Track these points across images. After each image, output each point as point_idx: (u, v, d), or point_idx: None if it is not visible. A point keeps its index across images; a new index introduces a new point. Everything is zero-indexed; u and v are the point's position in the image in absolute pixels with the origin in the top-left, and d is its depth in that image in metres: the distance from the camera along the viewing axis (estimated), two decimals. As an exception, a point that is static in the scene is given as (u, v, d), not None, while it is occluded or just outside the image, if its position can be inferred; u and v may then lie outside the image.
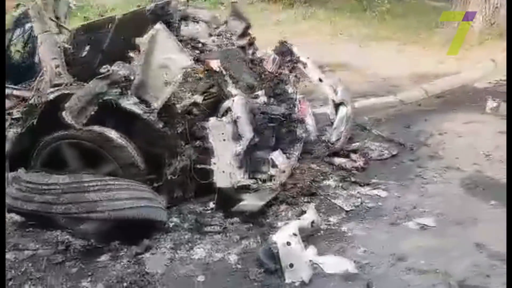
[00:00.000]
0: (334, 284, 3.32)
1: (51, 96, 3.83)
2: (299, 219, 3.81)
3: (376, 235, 3.82)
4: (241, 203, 3.97)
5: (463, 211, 4.05)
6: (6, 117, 3.99)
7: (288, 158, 4.37)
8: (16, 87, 4.21)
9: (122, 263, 3.56)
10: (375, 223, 3.97)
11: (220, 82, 4.15)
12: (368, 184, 4.49)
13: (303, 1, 11.38)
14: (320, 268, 3.42)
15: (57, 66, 3.92)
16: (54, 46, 4.00)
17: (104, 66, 3.72)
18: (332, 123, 4.99)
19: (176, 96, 4.07)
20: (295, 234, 3.44)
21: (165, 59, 3.79)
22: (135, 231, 3.72)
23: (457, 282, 3.26)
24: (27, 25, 4.59)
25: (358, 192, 4.38)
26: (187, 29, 5.02)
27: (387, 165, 4.89)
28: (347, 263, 3.48)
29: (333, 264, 3.47)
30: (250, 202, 3.98)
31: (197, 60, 4.40)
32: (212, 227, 3.90)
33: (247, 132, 4.00)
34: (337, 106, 5.05)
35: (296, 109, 4.80)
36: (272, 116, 4.24)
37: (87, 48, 4.34)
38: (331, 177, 4.56)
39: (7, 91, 4.13)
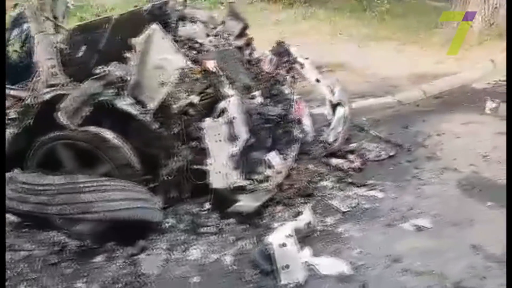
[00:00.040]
0: (330, 286, 3.31)
1: (47, 97, 3.84)
2: (295, 220, 3.80)
3: (372, 236, 3.81)
4: (237, 204, 3.95)
5: (460, 212, 4.04)
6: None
7: (284, 159, 4.34)
8: (12, 87, 4.19)
9: (117, 264, 3.57)
10: (371, 224, 3.96)
11: (216, 83, 4.14)
12: (365, 185, 4.48)
13: (303, 1, 11.34)
14: (316, 269, 3.42)
15: (52, 67, 3.93)
16: (49, 46, 4.00)
17: (99, 67, 3.72)
18: (329, 124, 4.98)
19: (172, 97, 4.05)
20: (291, 235, 3.44)
21: (161, 60, 3.78)
22: (130, 232, 3.71)
23: (453, 284, 3.25)
24: (25, 25, 4.55)
25: (354, 193, 4.37)
26: (185, 29, 4.99)
27: (384, 166, 4.89)
28: (342, 265, 3.48)
29: (328, 265, 3.47)
30: (246, 203, 3.96)
31: (194, 61, 4.39)
32: (208, 228, 3.90)
33: (243, 133, 3.98)
34: (334, 106, 5.05)
35: (292, 109, 4.78)
36: (269, 117, 4.23)
37: (84, 48, 4.34)
38: (328, 178, 4.54)
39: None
